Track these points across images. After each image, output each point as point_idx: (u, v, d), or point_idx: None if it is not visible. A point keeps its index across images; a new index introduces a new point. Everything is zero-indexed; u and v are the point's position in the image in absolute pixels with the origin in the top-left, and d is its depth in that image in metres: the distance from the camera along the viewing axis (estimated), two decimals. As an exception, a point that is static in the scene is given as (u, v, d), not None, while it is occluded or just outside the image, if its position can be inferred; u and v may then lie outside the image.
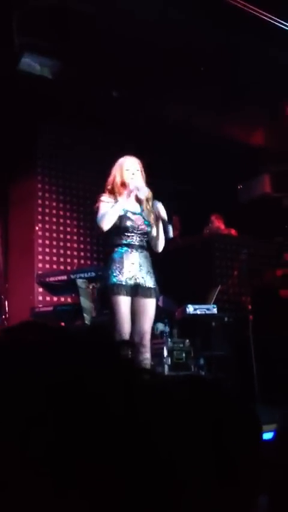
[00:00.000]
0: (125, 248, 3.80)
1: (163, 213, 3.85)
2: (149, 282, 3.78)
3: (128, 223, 3.82)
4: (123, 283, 3.70)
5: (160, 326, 5.26)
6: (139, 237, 3.84)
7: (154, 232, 3.89)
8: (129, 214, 3.83)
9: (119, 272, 3.73)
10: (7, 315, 6.66)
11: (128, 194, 3.84)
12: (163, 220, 3.87)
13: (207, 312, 5.24)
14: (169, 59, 5.72)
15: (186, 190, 7.09)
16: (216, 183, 7.05)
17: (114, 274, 3.73)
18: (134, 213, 3.85)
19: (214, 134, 7.02)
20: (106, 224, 3.83)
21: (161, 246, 3.94)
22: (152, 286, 3.79)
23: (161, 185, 7.09)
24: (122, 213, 3.82)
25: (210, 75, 6.00)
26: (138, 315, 3.74)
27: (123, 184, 3.87)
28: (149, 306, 3.78)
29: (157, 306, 4.78)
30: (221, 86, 6.18)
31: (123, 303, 3.69)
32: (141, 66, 5.83)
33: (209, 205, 6.96)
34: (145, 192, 3.88)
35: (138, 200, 3.91)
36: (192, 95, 6.39)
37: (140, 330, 3.73)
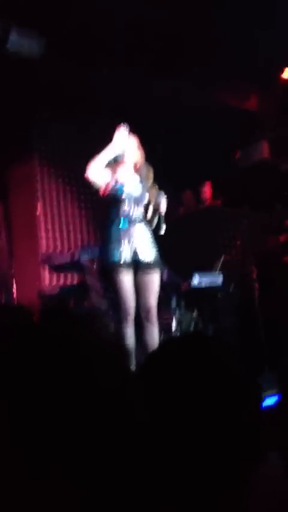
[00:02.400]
0: (123, 221, 3.69)
1: (163, 207, 3.76)
2: (150, 255, 3.72)
3: (125, 194, 3.75)
4: (122, 260, 3.63)
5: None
6: (137, 209, 3.75)
7: (150, 211, 3.78)
8: (127, 185, 3.78)
9: (117, 249, 3.65)
10: (15, 297, 6.73)
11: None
12: (159, 214, 3.76)
13: (213, 283, 5.26)
14: (156, 29, 5.64)
15: (185, 162, 7.05)
16: (213, 152, 7.01)
17: (113, 252, 3.66)
18: (132, 185, 3.81)
19: (208, 100, 6.95)
20: (91, 170, 3.83)
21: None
22: (153, 260, 3.72)
23: (158, 159, 7.10)
24: (117, 185, 3.79)
25: (200, 42, 5.92)
26: (141, 291, 3.70)
27: (117, 160, 3.85)
28: (152, 281, 3.72)
29: (162, 280, 4.81)
30: (213, 53, 6.11)
31: (125, 280, 3.64)
32: (131, 40, 5.76)
33: (207, 174, 6.93)
34: (144, 167, 3.88)
35: (139, 175, 3.89)
36: (183, 64, 6.31)
37: (144, 306, 3.72)
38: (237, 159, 7.61)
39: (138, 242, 3.70)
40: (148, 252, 3.73)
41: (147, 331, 3.77)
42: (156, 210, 3.77)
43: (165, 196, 3.84)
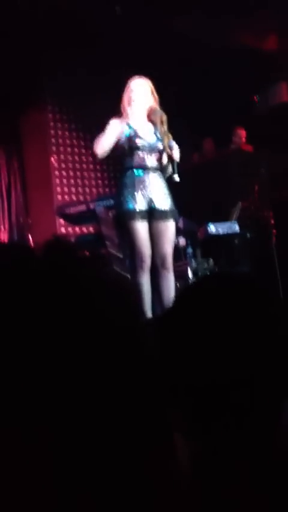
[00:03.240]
0: (137, 170, 3.66)
1: (176, 155, 3.66)
2: (165, 204, 3.69)
3: (139, 142, 3.68)
4: (138, 208, 3.62)
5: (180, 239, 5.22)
6: (151, 157, 3.70)
7: (165, 159, 3.69)
8: (140, 133, 3.72)
9: (132, 197, 3.63)
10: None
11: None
12: (172, 161, 3.67)
13: (229, 230, 5.21)
14: None
15: (201, 106, 6.87)
16: (231, 95, 6.82)
17: (127, 199, 3.64)
18: (146, 133, 3.74)
19: (226, 43, 6.73)
20: (99, 147, 3.76)
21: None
22: (168, 209, 3.70)
23: (174, 104, 6.93)
24: (130, 133, 3.70)
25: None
26: (157, 239, 3.70)
27: (130, 106, 3.76)
28: (167, 229, 3.71)
29: (177, 228, 4.75)
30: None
31: (141, 228, 3.63)
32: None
33: (226, 120, 6.76)
34: (157, 114, 3.77)
35: (152, 122, 3.80)
36: (199, 3, 6.09)
37: (160, 253, 3.71)
38: (255, 103, 7.39)
39: (153, 190, 3.67)
40: (163, 201, 3.71)
41: (164, 278, 3.77)
42: (170, 157, 3.68)
43: (176, 143, 3.75)
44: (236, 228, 5.23)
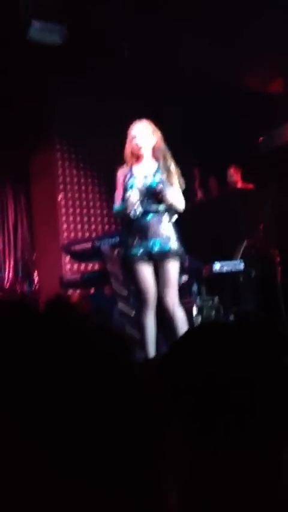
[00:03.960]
0: (139, 214, 3.69)
1: (170, 197, 3.71)
2: (166, 245, 3.70)
3: (137, 187, 3.71)
4: (140, 253, 3.67)
5: (184, 277, 5.23)
6: (151, 200, 3.73)
7: (170, 196, 3.70)
8: (140, 179, 3.74)
9: (134, 242, 3.69)
10: (37, 286, 6.76)
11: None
12: (168, 203, 3.73)
13: (234, 268, 5.20)
14: (181, 7, 5.56)
15: (207, 144, 6.96)
16: (236, 135, 6.91)
17: (129, 244, 3.71)
18: (148, 176, 3.77)
19: (232, 84, 6.86)
20: (114, 206, 3.86)
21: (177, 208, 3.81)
22: (170, 249, 3.70)
23: (180, 141, 7.03)
24: (132, 182, 3.75)
25: (226, 23, 5.83)
26: (161, 279, 3.72)
27: (133, 154, 3.82)
28: (168, 269, 3.70)
29: (183, 266, 4.75)
30: (237, 34, 6.01)
31: (145, 270, 3.67)
32: (151, 19, 5.69)
33: (230, 158, 6.83)
34: (160, 151, 3.81)
35: (157, 159, 3.84)
36: (208, 44, 6.24)
37: (163, 294, 3.72)
38: (260, 143, 7.48)
39: (154, 233, 3.71)
40: (165, 242, 3.72)
41: (171, 318, 3.76)
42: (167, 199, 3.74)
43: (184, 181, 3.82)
44: (241, 266, 5.22)
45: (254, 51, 6.35)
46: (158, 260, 3.70)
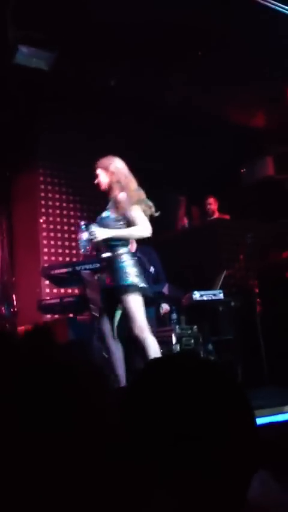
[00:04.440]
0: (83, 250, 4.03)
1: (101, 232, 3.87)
2: (117, 280, 3.82)
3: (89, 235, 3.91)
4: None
5: (164, 306, 5.27)
6: (101, 250, 3.92)
7: (111, 233, 3.85)
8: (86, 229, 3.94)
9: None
10: (15, 309, 6.69)
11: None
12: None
13: (214, 297, 5.23)
14: (167, 42, 5.67)
15: (188, 175, 7.05)
16: (219, 167, 7.02)
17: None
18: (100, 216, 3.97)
19: (215, 117, 6.98)
20: None
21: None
22: (121, 285, 3.79)
23: (163, 170, 7.11)
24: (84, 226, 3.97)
25: (210, 58, 5.95)
26: (124, 318, 3.84)
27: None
28: (125, 305, 3.80)
29: (163, 294, 4.79)
30: (221, 68, 6.14)
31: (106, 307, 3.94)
32: (139, 52, 5.79)
33: (211, 189, 6.93)
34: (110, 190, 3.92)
35: (109, 194, 3.95)
36: (192, 78, 6.35)
37: (129, 332, 3.82)
38: (242, 175, 7.60)
39: (108, 274, 3.92)
40: (116, 277, 3.83)
41: (138, 349, 3.82)
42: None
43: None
44: (220, 295, 5.26)
45: (237, 85, 6.49)
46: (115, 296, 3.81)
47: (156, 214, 3.89)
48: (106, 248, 3.90)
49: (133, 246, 5.25)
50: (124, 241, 3.89)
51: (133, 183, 3.93)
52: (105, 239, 3.82)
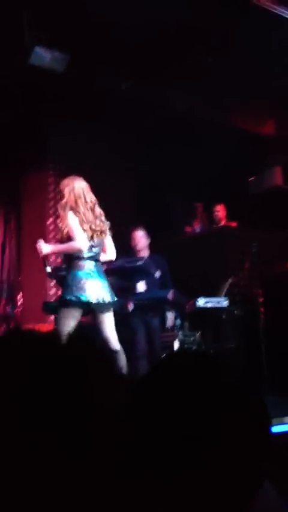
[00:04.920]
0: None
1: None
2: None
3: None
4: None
5: (169, 318, 5.29)
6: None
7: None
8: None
9: None
10: (20, 309, 6.72)
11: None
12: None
13: (218, 304, 5.24)
14: (177, 47, 5.70)
15: (196, 183, 7.06)
16: (227, 176, 7.03)
17: None
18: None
19: (224, 126, 7.00)
20: None
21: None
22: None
23: (172, 178, 7.13)
24: None
25: (219, 65, 5.97)
26: None
27: None
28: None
29: (167, 300, 4.83)
30: (229, 76, 6.16)
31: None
32: (150, 57, 5.82)
33: (220, 197, 6.95)
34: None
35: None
36: (200, 85, 6.37)
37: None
38: (250, 184, 7.61)
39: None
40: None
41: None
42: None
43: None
44: (225, 303, 5.27)
45: (247, 93, 6.50)
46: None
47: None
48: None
49: (144, 252, 5.30)
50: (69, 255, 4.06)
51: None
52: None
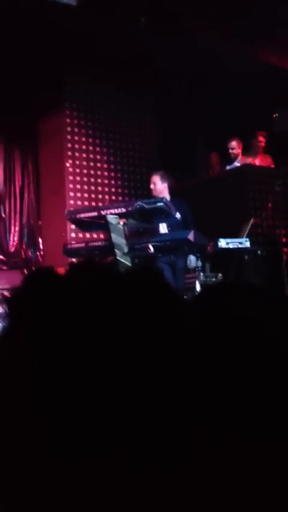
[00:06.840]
0: None
1: None
2: None
3: None
4: None
5: (193, 260, 5.23)
6: None
7: None
8: None
9: None
10: (42, 252, 6.74)
11: None
12: None
13: (240, 245, 5.16)
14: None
15: (221, 122, 6.86)
16: (251, 112, 6.80)
17: None
18: None
19: (249, 60, 6.73)
20: None
21: None
22: None
23: (195, 116, 6.93)
24: None
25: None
26: None
27: None
28: None
29: (188, 241, 4.76)
30: (255, 9, 5.88)
31: None
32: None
33: (244, 135, 6.75)
34: None
35: None
36: (225, 20, 6.09)
37: None
38: (274, 121, 7.37)
39: None
40: None
41: None
42: None
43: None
44: (247, 243, 5.18)
45: (272, 27, 6.22)
46: None
47: None
48: None
49: (167, 195, 5.22)
50: None
51: None
52: None
